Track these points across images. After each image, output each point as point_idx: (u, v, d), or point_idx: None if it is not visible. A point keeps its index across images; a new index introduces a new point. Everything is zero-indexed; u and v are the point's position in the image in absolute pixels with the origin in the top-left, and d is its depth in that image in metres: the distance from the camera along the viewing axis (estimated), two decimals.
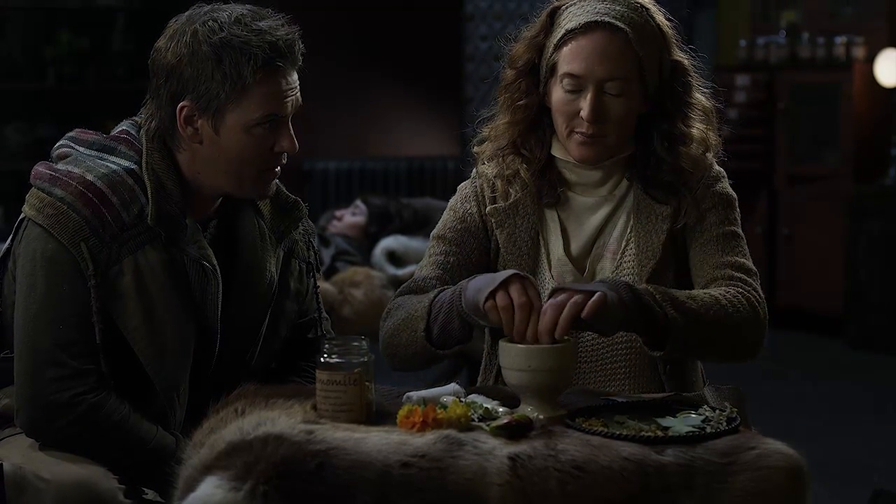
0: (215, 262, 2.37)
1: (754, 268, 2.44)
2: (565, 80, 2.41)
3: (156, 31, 2.39)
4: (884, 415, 5.86)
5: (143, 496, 2.28)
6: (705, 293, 2.33)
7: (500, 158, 2.52)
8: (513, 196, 2.49)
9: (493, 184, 2.52)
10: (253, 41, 2.27)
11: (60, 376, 2.26)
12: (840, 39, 7.48)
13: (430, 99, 8.52)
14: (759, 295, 2.38)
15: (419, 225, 5.54)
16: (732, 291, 2.35)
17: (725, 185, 2.50)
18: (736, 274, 2.39)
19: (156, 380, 2.32)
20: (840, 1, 7.72)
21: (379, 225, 5.53)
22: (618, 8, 2.40)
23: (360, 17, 8.31)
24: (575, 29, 2.40)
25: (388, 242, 5.36)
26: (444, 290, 2.35)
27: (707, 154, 2.49)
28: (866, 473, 4.81)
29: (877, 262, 7.04)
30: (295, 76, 2.35)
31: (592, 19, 2.39)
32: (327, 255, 5.20)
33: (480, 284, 2.21)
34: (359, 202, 5.69)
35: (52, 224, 2.27)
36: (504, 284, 2.17)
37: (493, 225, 2.49)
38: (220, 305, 2.38)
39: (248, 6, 2.35)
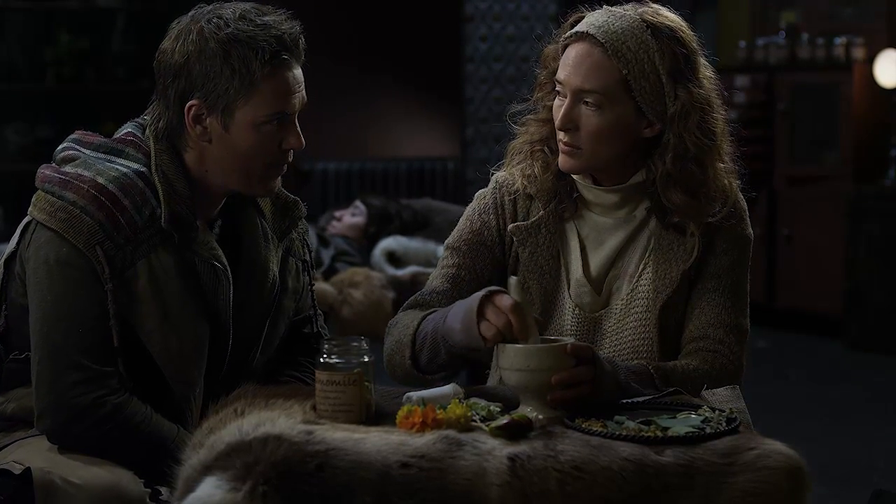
0: (226, 262, 2.38)
1: (747, 325, 2.48)
2: (557, 87, 2.44)
3: (155, 32, 2.39)
4: (884, 415, 5.85)
5: (160, 497, 2.28)
6: (684, 370, 2.37)
7: (528, 153, 2.53)
8: (535, 213, 2.50)
9: (515, 199, 2.53)
10: (259, 35, 2.29)
11: (82, 380, 2.25)
12: (840, 40, 7.48)
13: (430, 100, 8.51)
14: (740, 361, 2.44)
15: (419, 226, 5.54)
16: (711, 364, 2.40)
17: (747, 226, 2.51)
18: (726, 338, 2.43)
19: (172, 381, 2.33)
20: (840, 2, 7.72)
21: (378, 225, 5.52)
22: (615, 24, 2.39)
23: (359, 17, 8.31)
24: (568, 38, 2.44)
25: (388, 243, 5.35)
26: (427, 317, 2.37)
27: (727, 194, 2.47)
28: (866, 474, 4.81)
29: (876, 262, 7.04)
30: (300, 72, 2.36)
31: (581, 30, 2.41)
32: (327, 255, 5.20)
33: (459, 331, 2.23)
34: (358, 203, 5.68)
35: (64, 228, 2.26)
36: (480, 314, 2.18)
37: (516, 243, 2.51)
38: (231, 305, 2.39)
39: (250, 3, 2.37)
